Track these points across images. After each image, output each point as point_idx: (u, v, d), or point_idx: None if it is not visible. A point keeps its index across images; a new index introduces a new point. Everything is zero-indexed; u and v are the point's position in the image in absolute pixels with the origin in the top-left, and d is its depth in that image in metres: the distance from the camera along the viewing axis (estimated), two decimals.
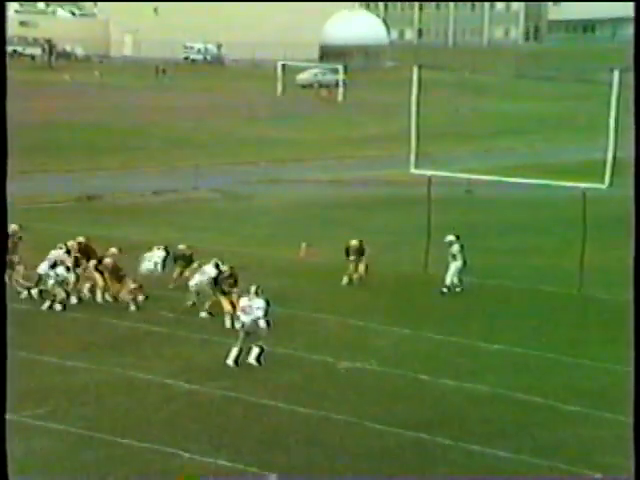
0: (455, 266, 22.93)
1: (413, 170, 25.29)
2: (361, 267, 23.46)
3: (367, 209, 33.37)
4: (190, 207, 33.62)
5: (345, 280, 23.44)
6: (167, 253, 22.97)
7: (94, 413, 15.94)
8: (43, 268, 21.44)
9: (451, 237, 23.07)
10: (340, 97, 71.67)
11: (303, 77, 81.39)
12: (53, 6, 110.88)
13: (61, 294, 21.15)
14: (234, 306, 19.58)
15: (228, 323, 19.83)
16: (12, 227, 22.46)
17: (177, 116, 59.48)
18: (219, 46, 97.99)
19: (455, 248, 22.89)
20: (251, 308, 17.90)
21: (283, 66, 76.32)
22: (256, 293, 18.05)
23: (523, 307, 22.05)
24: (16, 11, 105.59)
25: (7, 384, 10.61)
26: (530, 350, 19.00)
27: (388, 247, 27.08)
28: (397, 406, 16.33)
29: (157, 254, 22.98)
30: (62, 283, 21.20)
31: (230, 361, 17.82)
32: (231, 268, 21.11)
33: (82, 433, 15.15)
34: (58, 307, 21.12)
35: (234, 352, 17.82)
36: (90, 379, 17.28)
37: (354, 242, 23.49)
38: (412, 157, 25.05)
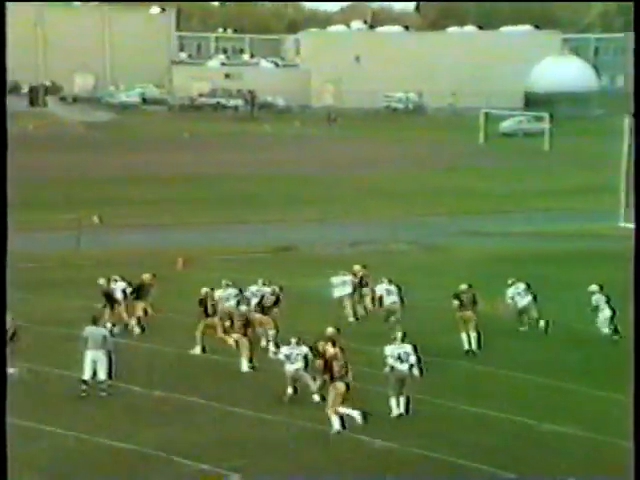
0: (603, 316, 23.06)
1: (623, 224, 24.67)
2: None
3: (571, 264, 32.62)
4: (386, 259, 33.84)
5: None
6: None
7: (291, 467, 16.23)
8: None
9: (594, 287, 23.44)
10: (546, 146, 70.78)
11: (507, 125, 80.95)
12: (257, 57, 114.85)
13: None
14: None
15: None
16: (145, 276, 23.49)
17: (377, 167, 60.36)
18: (420, 94, 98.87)
19: (595, 298, 23.28)
20: (406, 354, 17.92)
21: (486, 114, 76.20)
22: (403, 340, 18.10)
23: None
24: (222, 64, 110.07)
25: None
26: None
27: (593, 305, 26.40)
28: (601, 474, 15.92)
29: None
30: None
31: (396, 413, 17.91)
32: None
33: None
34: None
35: (395, 402, 17.93)
36: (286, 433, 17.61)
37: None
38: (622, 210, 24.50)
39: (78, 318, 21.61)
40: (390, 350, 18.17)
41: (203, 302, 22.26)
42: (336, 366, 17.51)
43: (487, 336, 23.76)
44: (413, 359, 18.02)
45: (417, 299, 26.35)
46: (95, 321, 19.70)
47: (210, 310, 22.13)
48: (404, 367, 17.96)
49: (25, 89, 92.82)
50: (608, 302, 23.28)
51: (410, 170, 59.24)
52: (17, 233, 33.67)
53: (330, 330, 18.72)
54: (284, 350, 19.18)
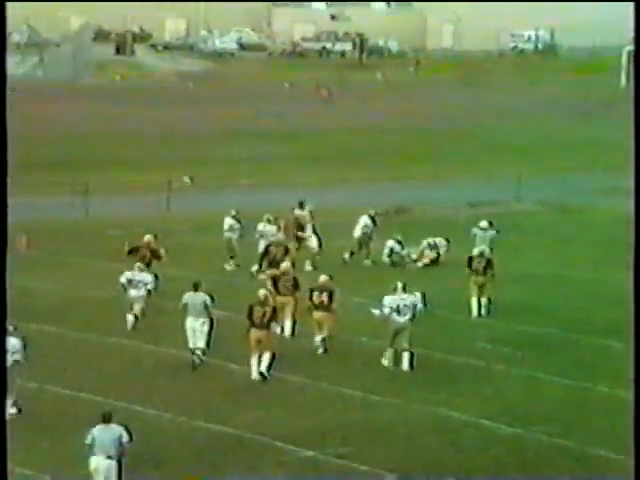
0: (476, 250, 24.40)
1: None
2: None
3: None
4: (509, 222, 33.28)
5: None
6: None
7: (402, 455, 16.29)
8: None
9: (484, 223, 26.32)
10: None
11: None
12: None
13: None
14: None
15: None
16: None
17: (500, 116, 59.70)
18: (552, 32, 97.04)
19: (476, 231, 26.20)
20: (406, 307, 19.10)
21: (629, 53, 74.43)
22: (404, 289, 19.22)
23: None
24: (328, 4, 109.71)
25: None
26: None
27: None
28: None
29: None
30: None
31: (388, 362, 19.28)
32: None
33: (387, 475, 15.59)
34: None
35: (388, 354, 19.26)
36: (397, 416, 17.64)
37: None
38: None
39: (172, 288, 22.00)
40: (389, 301, 19.21)
41: None
42: (257, 311, 18.84)
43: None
44: (419, 307, 19.27)
45: (545, 268, 26.07)
46: (196, 287, 19.94)
47: None
48: (401, 319, 19.09)
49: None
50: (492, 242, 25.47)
51: (538, 120, 58.39)
52: (99, 196, 34.76)
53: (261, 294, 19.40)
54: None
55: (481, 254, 23.25)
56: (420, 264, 27.40)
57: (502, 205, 36.31)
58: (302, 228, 27.20)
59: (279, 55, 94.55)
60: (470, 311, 22.67)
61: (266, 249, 24.56)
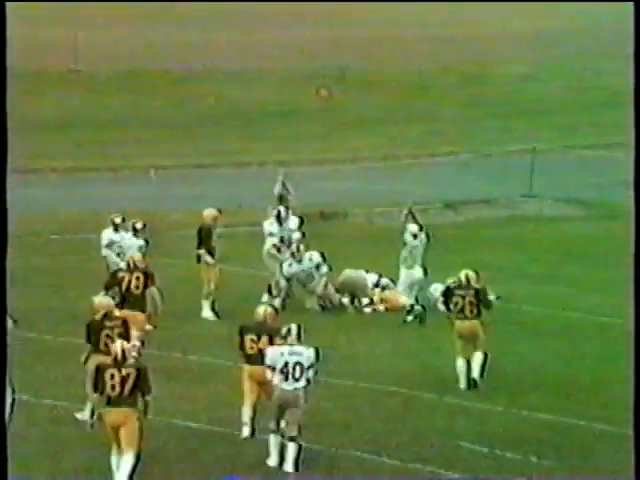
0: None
1: None
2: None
3: None
4: (515, 233, 34.26)
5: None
6: None
7: None
8: None
9: (414, 227, 27.56)
10: None
11: None
12: None
13: None
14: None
15: None
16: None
17: (494, 51, 60.36)
18: None
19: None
20: (301, 367, 18.97)
21: None
22: (299, 336, 18.91)
23: None
24: None
25: None
26: None
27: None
28: None
29: None
30: None
31: (273, 462, 18.82)
32: None
33: None
34: None
35: (274, 442, 18.82)
36: None
37: None
38: None
39: None
40: (272, 355, 18.96)
41: None
42: (110, 377, 17.64)
43: None
44: (310, 374, 18.82)
45: (577, 312, 26.45)
46: None
47: None
48: (289, 386, 18.89)
49: None
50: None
51: (562, 59, 59.90)
52: None
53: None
54: None
55: (462, 284, 22.57)
56: (369, 309, 27.67)
57: (502, 205, 37.52)
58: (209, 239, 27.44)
59: None
60: (457, 381, 22.25)
61: (113, 275, 24.98)
